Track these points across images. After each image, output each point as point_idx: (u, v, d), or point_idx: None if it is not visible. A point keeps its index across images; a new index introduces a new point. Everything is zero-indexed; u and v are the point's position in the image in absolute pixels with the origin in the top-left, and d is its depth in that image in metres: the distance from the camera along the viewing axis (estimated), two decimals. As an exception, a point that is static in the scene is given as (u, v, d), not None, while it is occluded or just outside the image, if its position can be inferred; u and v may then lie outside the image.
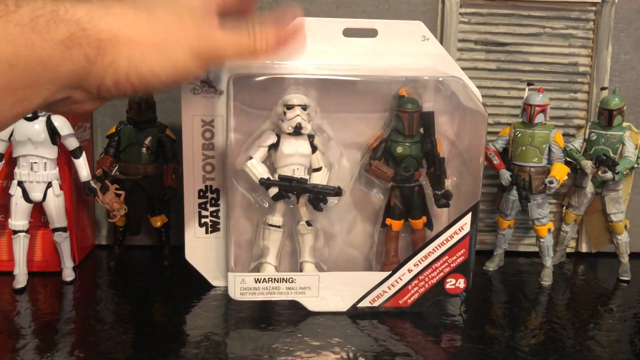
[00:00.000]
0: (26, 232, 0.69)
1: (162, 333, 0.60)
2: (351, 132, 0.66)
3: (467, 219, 0.63)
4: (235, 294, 0.63)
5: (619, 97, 0.73)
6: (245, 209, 0.65)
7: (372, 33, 0.65)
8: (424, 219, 0.67)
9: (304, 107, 0.62)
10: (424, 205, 0.67)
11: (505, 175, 0.74)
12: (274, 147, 0.63)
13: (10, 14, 0.34)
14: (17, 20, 0.34)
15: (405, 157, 0.64)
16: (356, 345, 0.57)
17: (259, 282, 0.62)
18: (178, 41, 0.42)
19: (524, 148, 0.73)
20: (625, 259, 0.76)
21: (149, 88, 0.42)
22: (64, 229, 0.71)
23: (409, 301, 0.65)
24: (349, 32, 0.65)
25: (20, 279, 0.69)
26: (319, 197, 0.62)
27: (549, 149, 0.73)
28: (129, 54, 0.40)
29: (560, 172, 0.72)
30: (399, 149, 0.64)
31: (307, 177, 0.63)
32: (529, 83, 0.75)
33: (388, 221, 0.66)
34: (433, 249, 0.64)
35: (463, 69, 0.67)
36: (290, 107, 0.62)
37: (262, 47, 0.47)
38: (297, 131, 0.61)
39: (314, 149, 0.63)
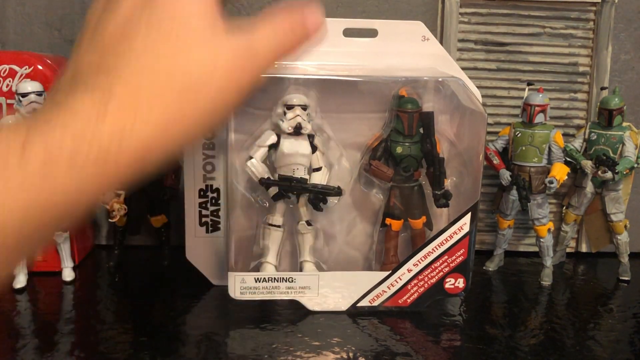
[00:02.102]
0: (26, 232, 0.69)
1: (162, 333, 0.60)
2: (351, 132, 0.66)
3: (467, 218, 0.63)
4: (236, 293, 0.63)
5: (619, 97, 0.73)
6: (245, 208, 0.65)
7: (372, 33, 0.65)
8: (424, 218, 0.67)
9: (304, 107, 0.62)
10: (423, 205, 0.67)
11: (505, 175, 0.74)
12: (274, 147, 0.63)
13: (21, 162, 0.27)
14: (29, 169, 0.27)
15: (405, 157, 0.64)
16: (356, 344, 0.57)
17: (259, 282, 0.62)
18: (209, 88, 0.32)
19: (524, 148, 0.73)
20: (625, 259, 0.76)
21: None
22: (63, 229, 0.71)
23: (409, 301, 0.65)
24: (349, 32, 0.65)
25: (20, 279, 0.69)
26: (319, 197, 0.62)
27: (549, 149, 0.73)
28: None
29: (560, 172, 0.72)
30: (399, 149, 0.64)
31: (307, 177, 0.63)
32: (529, 83, 0.74)
33: (388, 221, 0.66)
34: (432, 249, 0.64)
35: (463, 69, 0.67)
36: (290, 107, 0.62)
37: (313, 24, 0.34)
38: (297, 131, 0.61)
39: (314, 149, 0.63)
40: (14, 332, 0.59)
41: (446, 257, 0.64)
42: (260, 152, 0.63)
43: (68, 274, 0.71)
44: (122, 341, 0.58)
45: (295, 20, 0.35)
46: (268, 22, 0.34)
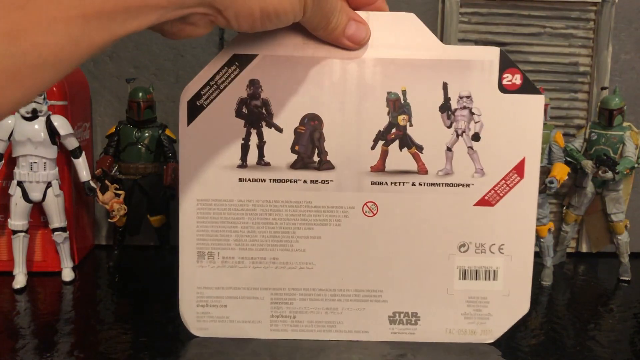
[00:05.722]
0: (26, 232, 0.70)
1: (162, 333, 0.59)
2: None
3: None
4: None
5: (619, 97, 0.73)
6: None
7: None
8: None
9: None
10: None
11: (506, 175, 0.73)
12: None
13: None
14: None
15: None
16: (356, 344, 0.57)
17: None
18: None
19: (524, 148, 0.73)
20: (625, 259, 0.76)
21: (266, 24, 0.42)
22: (63, 229, 0.71)
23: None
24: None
25: (20, 279, 0.69)
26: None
27: (550, 149, 0.73)
28: None
29: (560, 172, 0.72)
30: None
31: None
32: (529, 83, 0.74)
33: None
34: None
35: (463, 68, 0.67)
36: None
37: (330, 28, 0.48)
38: None
39: None
40: (13, 332, 0.59)
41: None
42: None
43: (68, 274, 0.71)
44: (122, 341, 0.57)
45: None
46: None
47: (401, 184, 0.54)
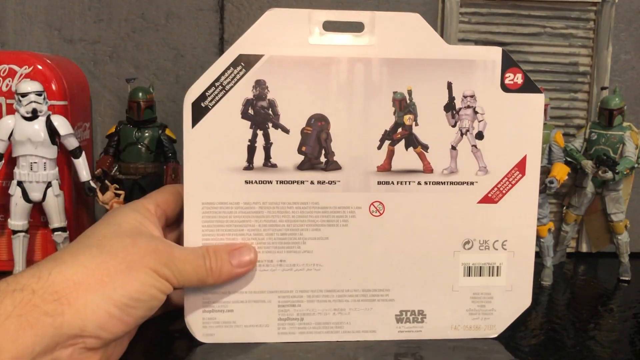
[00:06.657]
0: (26, 232, 0.69)
1: (162, 333, 0.59)
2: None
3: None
4: None
5: (619, 97, 0.74)
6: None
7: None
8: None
9: None
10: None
11: (506, 175, 0.74)
12: None
13: None
14: None
15: None
16: (356, 344, 0.57)
17: None
18: (139, 265, 0.44)
19: (524, 148, 0.73)
20: (625, 259, 0.77)
21: (135, 317, 0.44)
22: (63, 229, 0.70)
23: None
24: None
25: (20, 279, 0.68)
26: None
27: (549, 149, 0.73)
28: (98, 290, 0.40)
29: (560, 172, 0.72)
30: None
31: None
32: (530, 83, 0.75)
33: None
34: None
35: (465, 69, 0.67)
36: None
37: (215, 273, 0.50)
38: None
39: None
40: (15, 334, 0.58)
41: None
42: None
43: (68, 275, 0.71)
44: (126, 349, 0.57)
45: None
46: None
47: (407, 183, 0.54)
